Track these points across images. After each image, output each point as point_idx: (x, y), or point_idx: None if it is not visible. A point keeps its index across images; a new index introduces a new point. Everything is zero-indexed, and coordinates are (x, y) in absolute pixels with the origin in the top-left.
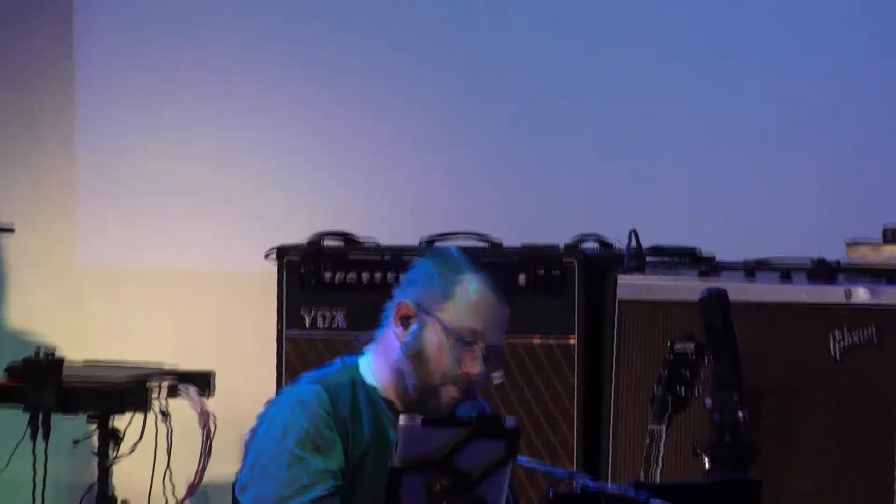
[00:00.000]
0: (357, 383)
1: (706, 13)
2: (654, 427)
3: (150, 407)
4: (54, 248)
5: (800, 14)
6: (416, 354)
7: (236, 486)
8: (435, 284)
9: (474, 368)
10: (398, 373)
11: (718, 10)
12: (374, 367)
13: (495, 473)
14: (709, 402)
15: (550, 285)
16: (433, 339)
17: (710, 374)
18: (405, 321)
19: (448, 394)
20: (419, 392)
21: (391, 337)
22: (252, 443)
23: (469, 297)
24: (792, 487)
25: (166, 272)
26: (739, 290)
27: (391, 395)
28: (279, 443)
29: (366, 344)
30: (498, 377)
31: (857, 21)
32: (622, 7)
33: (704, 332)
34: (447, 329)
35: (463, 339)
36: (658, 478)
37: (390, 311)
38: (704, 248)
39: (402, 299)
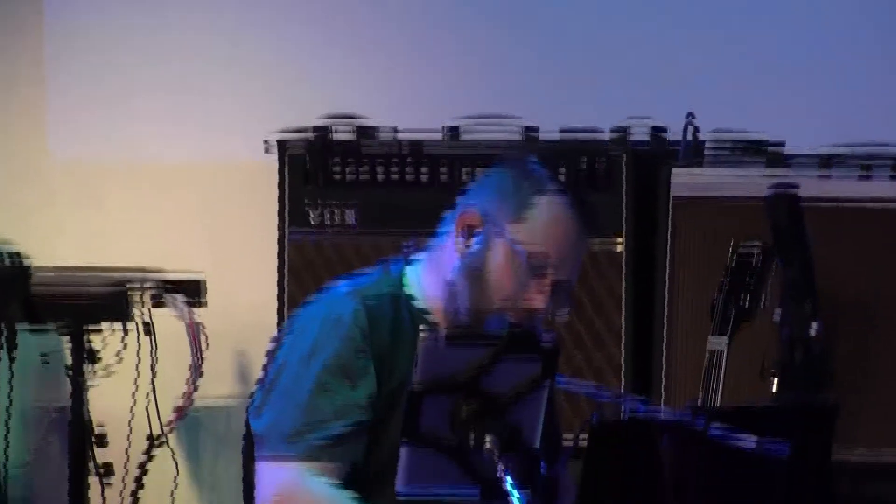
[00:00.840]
0: (401, 300)
1: None
2: (713, 343)
3: (132, 319)
4: (23, 141)
5: None
6: (475, 273)
7: (250, 407)
8: (509, 196)
9: (539, 300)
10: (451, 291)
11: None
12: (424, 281)
13: (530, 396)
14: (777, 314)
15: (594, 181)
16: (498, 257)
17: (779, 283)
18: (468, 232)
19: (510, 321)
20: (472, 316)
21: (449, 248)
22: (274, 357)
23: (547, 217)
24: (872, 414)
25: (150, 167)
26: (813, 187)
27: (439, 317)
28: (305, 364)
29: (416, 250)
30: (563, 316)
31: None
32: None
33: (772, 234)
34: (516, 249)
35: (532, 264)
36: (718, 401)
37: (451, 219)
38: (772, 134)
39: (469, 207)
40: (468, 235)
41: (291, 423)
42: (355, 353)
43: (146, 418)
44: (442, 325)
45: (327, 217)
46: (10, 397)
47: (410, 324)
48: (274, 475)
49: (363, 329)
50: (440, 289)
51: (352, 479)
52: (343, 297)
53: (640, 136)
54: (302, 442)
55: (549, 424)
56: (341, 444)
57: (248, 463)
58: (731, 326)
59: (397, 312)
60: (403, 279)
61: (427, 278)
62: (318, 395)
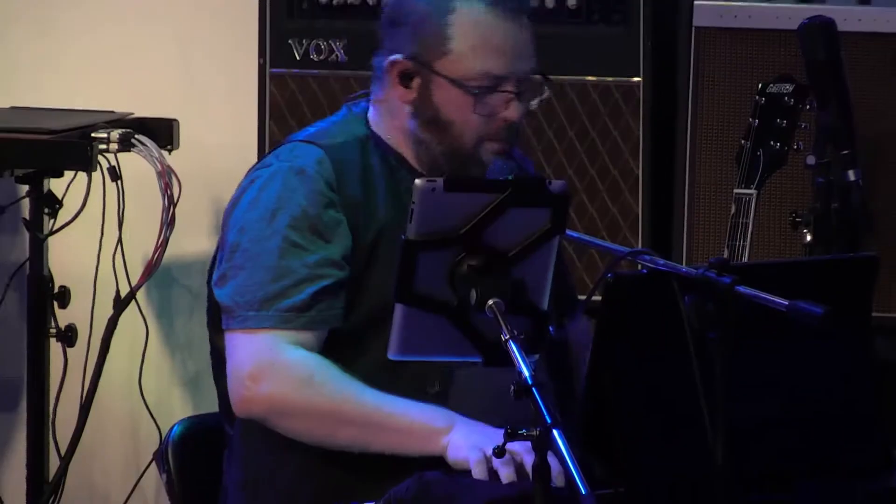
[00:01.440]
0: (369, 143)
1: None
2: (741, 191)
3: (96, 164)
4: None
5: None
6: (432, 119)
7: (212, 275)
8: (423, 29)
9: (511, 111)
10: (420, 143)
11: None
12: (384, 125)
13: (538, 250)
14: (811, 159)
15: (608, 9)
16: (447, 98)
17: (813, 124)
18: (404, 79)
19: (489, 150)
20: (454, 159)
21: (394, 98)
22: (231, 218)
23: (473, 34)
24: None
25: None
26: (850, 16)
27: (412, 159)
28: (268, 223)
29: (366, 94)
30: (542, 100)
31: None
32: None
33: (806, 69)
34: (460, 83)
35: (484, 87)
36: (746, 256)
37: (381, 66)
38: None
39: (391, 55)
40: (406, 83)
41: (260, 289)
42: (324, 205)
43: (113, 274)
44: (419, 167)
45: (313, 50)
46: None
47: (382, 168)
48: (245, 348)
49: (330, 179)
50: (405, 137)
51: (328, 346)
52: (304, 146)
53: None
54: (273, 308)
55: (560, 280)
56: (316, 306)
57: (214, 334)
58: (759, 173)
59: (366, 157)
60: (368, 119)
61: (387, 123)
62: (287, 255)
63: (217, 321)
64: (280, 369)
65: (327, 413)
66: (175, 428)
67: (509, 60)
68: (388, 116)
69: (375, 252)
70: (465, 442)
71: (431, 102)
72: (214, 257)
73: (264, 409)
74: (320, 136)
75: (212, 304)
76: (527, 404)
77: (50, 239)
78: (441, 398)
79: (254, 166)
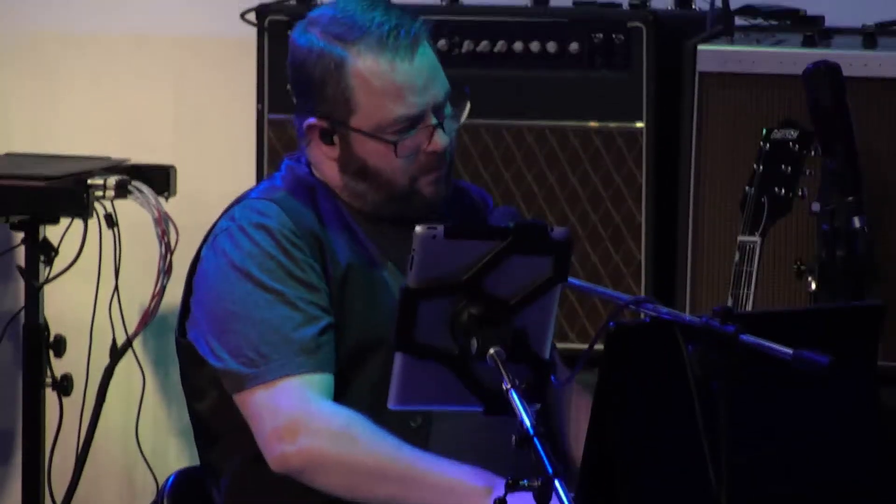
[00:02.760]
0: (316, 190)
1: None
2: (745, 239)
3: (93, 211)
4: None
5: None
6: (360, 171)
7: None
8: (325, 88)
9: (436, 143)
10: (356, 195)
11: None
12: (327, 175)
13: (540, 298)
14: (816, 206)
15: (611, 55)
16: (369, 149)
17: (818, 170)
18: (325, 138)
19: (427, 182)
20: (394, 201)
21: (319, 156)
22: (202, 289)
23: (371, 82)
24: None
25: (112, 39)
26: (856, 61)
27: (356, 203)
28: (246, 281)
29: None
30: (464, 116)
31: None
32: None
33: (811, 115)
34: (376, 136)
35: (401, 131)
36: (750, 304)
37: (301, 128)
38: (810, 8)
39: (305, 119)
40: (328, 139)
41: (261, 343)
42: (294, 253)
43: (109, 323)
44: (364, 209)
45: None
46: None
47: (334, 212)
48: (271, 403)
49: (291, 227)
50: (343, 186)
51: None
52: (257, 202)
53: (662, 4)
54: (282, 355)
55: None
56: (322, 348)
57: (191, 401)
58: (764, 220)
59: (315, 204)
60: (311, 170)
61: (326, 174)
62: (275, 305)
63: (195, 388)
64: (315, 422)
65: (367, 469)
66: (172, 479)
67: (417, 97)
68: (322, 169)
69: (343, 293)
70: None
71: (355, 156)
72: (180, 320)
73: (302, 464)
74: (269, 191)
75: (186, 373)
76: (505, 440)
77: (45, 287)
78: (422, 433)
79: (210, 231)
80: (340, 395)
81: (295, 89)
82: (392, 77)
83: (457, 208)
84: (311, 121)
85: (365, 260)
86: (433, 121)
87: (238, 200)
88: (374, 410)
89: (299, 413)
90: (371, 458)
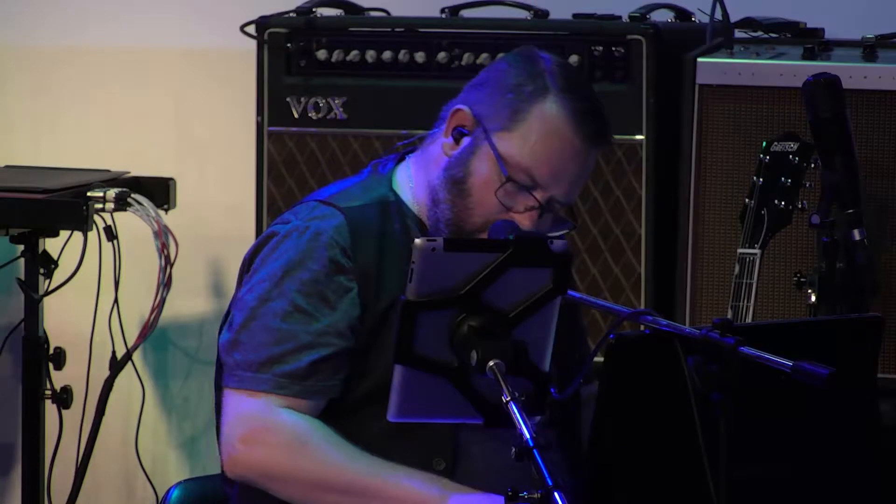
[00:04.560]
0: (390, 207)
1: None
2: (745, 251)
3: (92, 224)
4: None
5: None
6: (457, 180)
7: (222, 342)
8: (506, 99)
9: (525, 219)
10: (433, 198)
11: None
12: (414, 180)
13: (539, 311)
14: (816, 218)
15: (611, 68)
16: (482, 168)
17: (818, 183)
18: (457, 133)
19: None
20: (452, 231)
21: (438, 146)
22: (247, 272)
23: (541, 131)
24: None
25: (112, 51)
26: (856, 73)
27: (424, 217)
28: (276, 284)
29: (410, 146)
30: (560, 239)
31: None
32: None
33: (810, 127)
34: (500, 163)
35: (517, 183)
36: (750, 316)
37: (446, 112)
38: (810, 20)
39: (463, 104)
40: (457, 136)
41: (260, 350)
42: (335, 272)
43: (109, 335)
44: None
45: (311, 108)
46: None
47: (402, 234)
48: (239, 409)
49: (345, 244)
50: (426, 192)
51: (334, 415)
52: (324, 207)
53: (662, 18)
54: (270, 372)
55: (575, 341)
56: (315, 376)
57: (218, 392)
58: (763, 232)
59: (386, 222)
60: (393, 181)
61: (417, 177)
62: (291, 319)
63: (220, 378)
64: (271, 433)
65: (312, 479)
66: (172, 491)
67: (557, 177)
68: (424, 168)
69: (386, 322)
70: None
71: (466, 165)
72: (227, 311)
73: (252, 472)
74: (341, 197)
75: (218, 360)
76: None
77: (45, 299)
78: (445, 475)
79: (274, 221)
80: (364, 425)
81: (478, 80)
82: (562, 143)
83: None
84: (462, 107)
85: None
86: (542, 204)
87: (309, 197)
88: (398, 439)
89: (260, 424)
90: (320, 469)
